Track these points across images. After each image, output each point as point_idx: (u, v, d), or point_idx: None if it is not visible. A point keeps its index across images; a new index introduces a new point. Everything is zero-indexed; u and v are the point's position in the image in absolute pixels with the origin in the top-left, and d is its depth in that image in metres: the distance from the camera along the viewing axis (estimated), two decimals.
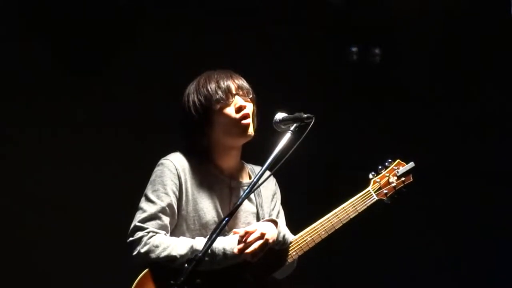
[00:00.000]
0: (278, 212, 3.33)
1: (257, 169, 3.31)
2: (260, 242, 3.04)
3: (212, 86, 3.18)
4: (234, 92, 3.19)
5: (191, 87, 3.24)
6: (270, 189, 3.32)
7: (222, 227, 2.83)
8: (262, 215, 3.24)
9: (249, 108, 3.20)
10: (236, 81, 3.22)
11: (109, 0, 4.77)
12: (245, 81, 3.26)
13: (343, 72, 5.27)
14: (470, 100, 5.26)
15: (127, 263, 3.08)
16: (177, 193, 3.15)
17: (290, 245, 3.18)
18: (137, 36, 4.88)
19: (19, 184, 4.67)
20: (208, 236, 2.87)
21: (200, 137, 3.20)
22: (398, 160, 3.34)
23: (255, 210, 3.26)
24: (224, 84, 3.19)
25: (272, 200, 3.32)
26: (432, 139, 5.25)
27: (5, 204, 4.65)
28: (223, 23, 4.98)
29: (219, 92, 3.17)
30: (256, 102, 3.26)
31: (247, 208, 3.24)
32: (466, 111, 5.28)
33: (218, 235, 2.82)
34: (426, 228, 5.24)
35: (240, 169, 3.29)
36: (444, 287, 5.26)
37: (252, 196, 3.25)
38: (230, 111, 3.17)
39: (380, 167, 3.32)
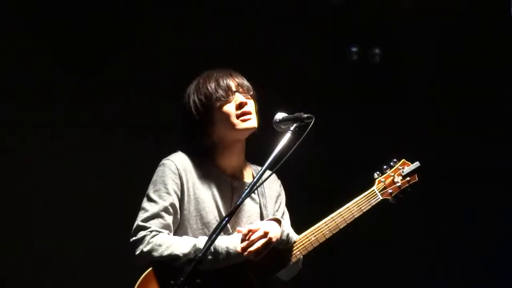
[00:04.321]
0: (283, 213, 3.33)
1: None
2: (263, 240, 3.04)
3: (212, 85, 3.19)
4: (234, 89, 3.20)
5: (191, 88, 3.25)
6: (274, 190, 3.33)
7: (222, 227, 2.83)
8: (266, 216, 3.24)
9: (250, 104, 3.21)
10: (236, 79, 3.23)
11: (109, 0, 4.77)
12: (245, 79, 3.26)
13: (343, 72, 5.27)
14: (470, 100, 5.26)
15: (130, 263, 3.08)
16: (178, 193, 3.15)
17: (294, 244, 3.18)
18: (137, 36, 4.88)
19: (19, 184, 4.67)
20: (208, 236, 2.87)
21: (202, 137, 3.20)
22: (403, 160, 3.32)
23: (258, 211, 3.26)
24: (224, 82, 3.20)
25: (276, 201, 3.32)
26: (432, 139, 5.25)
27: (4, 204, 4.64)
28: (223, 23, 4.98)
29: (219, 91, 3.18)
30: (257, 101, 3.26)
31: (250, 209, 3.24)
32: (466, 111, 5.28)
33: (217, 235, 2.82)
34: (426, 228, 5.24)
35: (244, 168, 3.29)
36: (444, 287, 5.26)
37: (255, 196, 3.25)
38: (230, 108, 3.18)
39: (385, 166, 3.30)
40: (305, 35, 5.17)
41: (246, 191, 2.89)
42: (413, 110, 5.28)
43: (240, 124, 3.16)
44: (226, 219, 2.85)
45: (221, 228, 2.81)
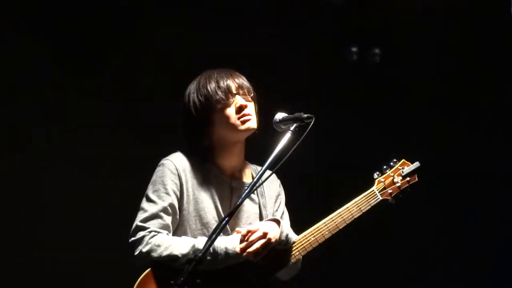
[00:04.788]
0: (283, 213, 3.33)
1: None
2: (262, 241, 3.03)
3: (212, 86, 3.17)
4: (234, 91, 3.19)
5: (192, 87, 3.23)
6: (274, 190, 3.32)
7: (222, 227, 2.82)
8: (266, 216, 3.23)
9: (250, 107, 3.19)
10: (236, 80, 3.21)
11: (109, 0, 4.77)
12: (245, 80, 3.24)
13: (343, 72, 5.27)
14: (470, 100, 5.26)
15: (130, 263, 3.07)
16: (178, 193, 3.15)
17: (294, 245, 3.17)
18: (137, 36, 4.88)
19: (19, 185, 4.67)
20: (208, 236, 2.87)
21: (201, 137, 3.19)
22: (403, 160, 3.30)
23: (257, 211, 3.25)
24: (224, 84, 3.18)
25: (276, 201, 3.31)
26: (432, 139, 5.25)
27: (4, 204, 4.64)
28: (223, 23, 4.98)
29: (219, 92, 3.16)
30: (257, 102, 3.25)
31: (249, 209, 3.23)
32: (466, 111, 5.28)
33: (217, 235, 2.82)
34: (426, 228, 5.24)
35: (243, 169, 3.28)
36: (444, 286, 5.26)
37: (255, 196, 3.25)
38: (230, 111, 3.16)
39: (384, 167, 3.29)
40: (305, 35, 5.17)
41: (246, 191, 2.89)
42: (413, 110, 5.28)
43: (240, 126, 3.16)
44: (226, 219, 2.84)
45: (220, 229, 2.81)
